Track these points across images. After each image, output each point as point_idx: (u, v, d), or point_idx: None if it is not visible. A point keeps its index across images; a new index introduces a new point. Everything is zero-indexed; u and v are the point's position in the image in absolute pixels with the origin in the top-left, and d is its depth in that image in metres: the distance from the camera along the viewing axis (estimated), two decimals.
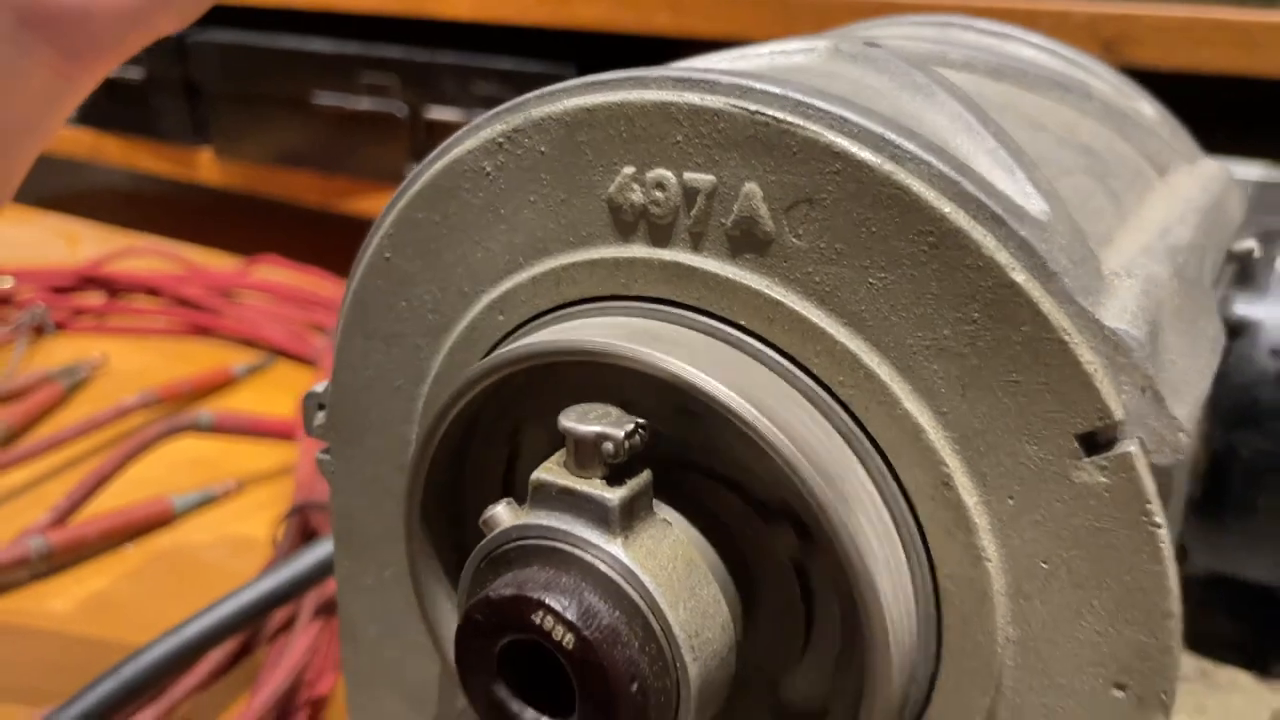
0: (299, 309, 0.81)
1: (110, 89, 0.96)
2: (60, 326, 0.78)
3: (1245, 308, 0.35)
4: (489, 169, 0.20)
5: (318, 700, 0.41)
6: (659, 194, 0.18)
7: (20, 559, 0.51)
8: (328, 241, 0.89)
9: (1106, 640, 0.16)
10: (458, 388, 0.19)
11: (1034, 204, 0.17)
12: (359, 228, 0.77)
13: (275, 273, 0.87)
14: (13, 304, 0.80)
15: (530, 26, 0.74)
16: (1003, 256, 0.15)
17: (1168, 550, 0.15)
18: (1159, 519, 0.15)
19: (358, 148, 0.85)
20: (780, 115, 0.16)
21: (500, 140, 0.19)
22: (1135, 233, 0.20)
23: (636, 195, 0.18)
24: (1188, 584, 0.42)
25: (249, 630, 0.44)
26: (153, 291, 0.83)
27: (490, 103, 0.73)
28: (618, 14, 0.68)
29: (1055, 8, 0.56)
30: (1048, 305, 0.15)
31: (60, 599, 0.52)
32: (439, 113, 0.79)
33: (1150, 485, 0.15)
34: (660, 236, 0.18)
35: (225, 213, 1.04)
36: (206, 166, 0.96)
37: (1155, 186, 0.23)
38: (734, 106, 0.17)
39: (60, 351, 0.75)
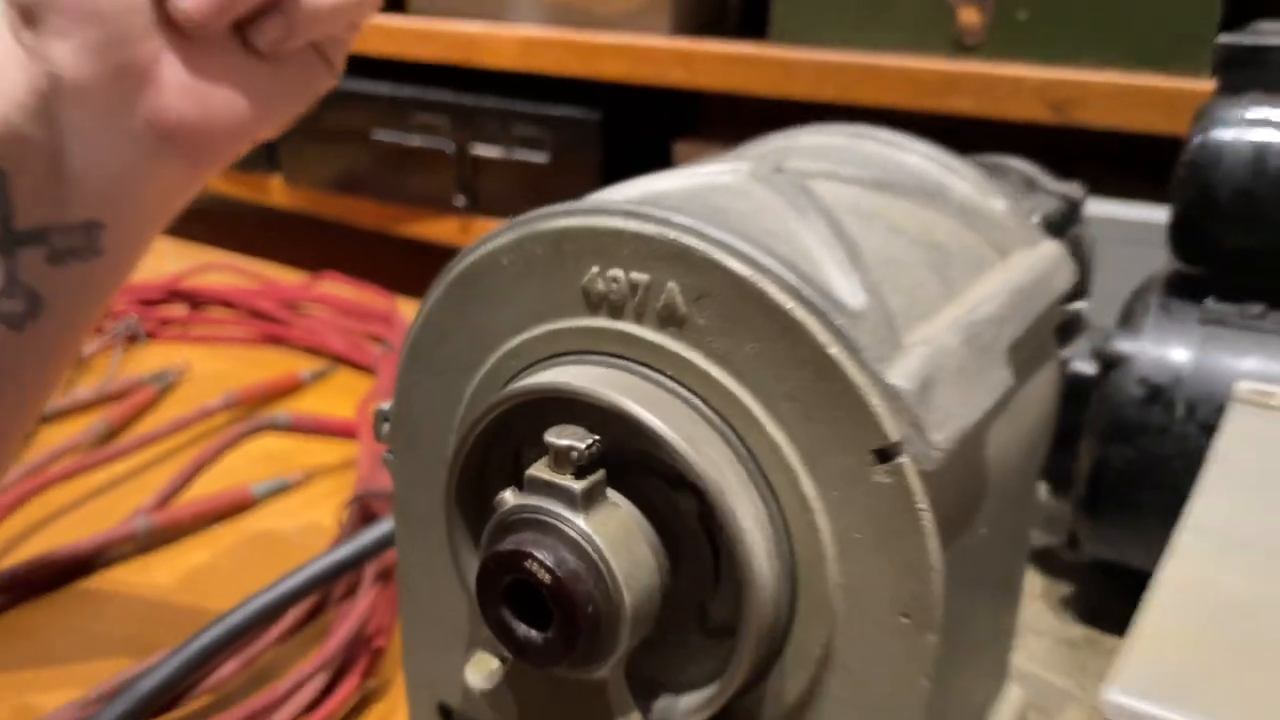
0: (358, 321, 0.89)
1: None
2: (150, 335, 0.87)
3: (1120, 344, 0.43)
4: (505, 263, 0.28)
5: (377, 650, 0.50)
6: (614, 285, 0.26)
7: (129, 535, 0.60)
8: (384, 260, 0.97)
9: (896, 586, 0.24)
10: (482, 410, 0.28)
11: (857, 299, 0.25)
12: (411, 249, 0.88)
13: (337, 288, 0.95)
14: (109, 315, 0.89)
15: (563, 76, 0.82)
16: (824, 337, 0.24)
17: (929, 527, 0.24)
18: (922, 506, 0.24)
19: (410, 179, 0.93)
20: (688, 241, 0.25)
21: (511, 244, 0.28)
22: (955, 309, 0.28)
23: (600, 285, 0.27)
24: (1086, 569, 0.50)
25: (320, 594, 0.53)
26: (229, 304, 0.92)
27: (528, 142, 0.82)
28: (639, 69, 0.76)
29: (1012, 74, 0.64)
30: (851, 369, 0.23)
31: (161, 570, 0.59)
32: (483, 150, 0.87)
33: (917, 484, 0.24)
34: (616, 313, 0.27)
35: (293, 233, 1.13)
36: (277, 191, 1.05)
37: (994, 268, 0.31)
38: (660, 233, 0.25)
39: (151, 358, 0.83)
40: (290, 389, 0.79)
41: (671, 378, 0.26)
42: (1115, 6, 0.59)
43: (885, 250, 0.28)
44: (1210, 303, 0.42)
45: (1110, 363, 0.42)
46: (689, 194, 0.29)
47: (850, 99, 0.66)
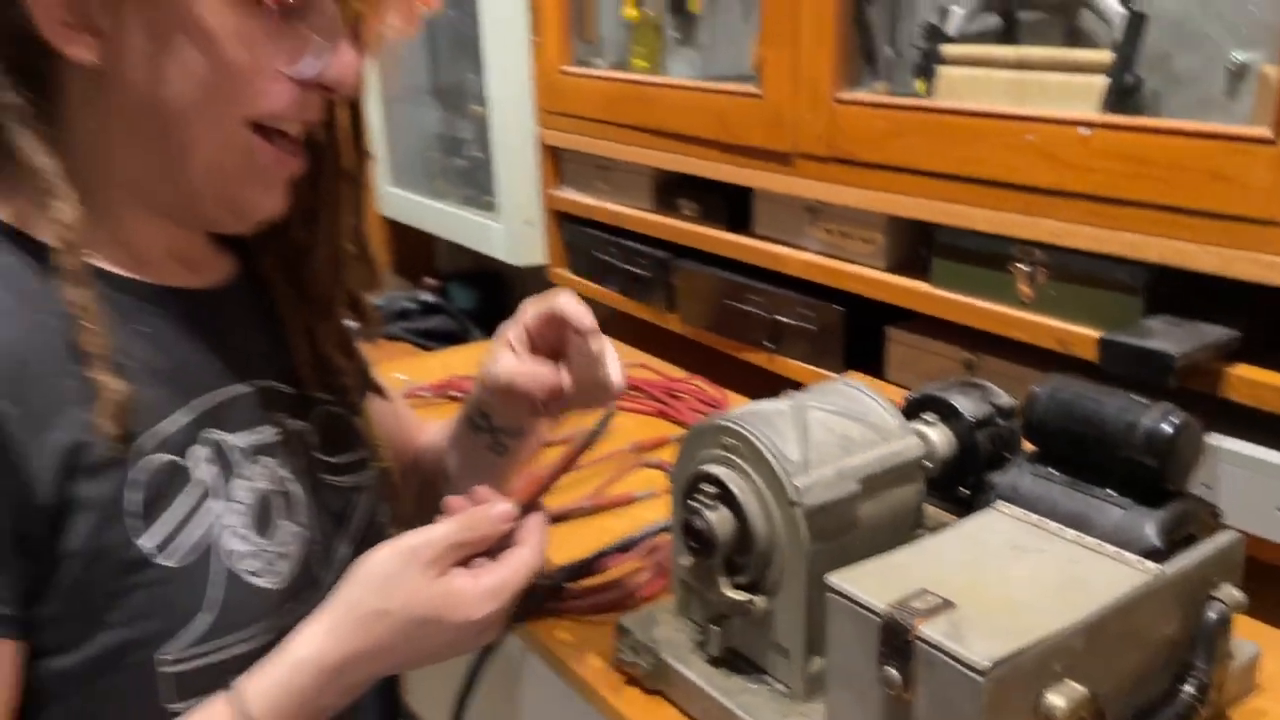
0: (705, 406, 1.42)
1: (638, 290, 1.66)
2: None
3: (994, 477, 0.89)
4: (703, 430, 0.83)
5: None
6: (730, 441, 0.81)
7: (580, 507, 1.19)
8: (724, 372, 1.53)
9: (795, 540, 0.77)
10: (688, 474, 0.83)
11: (796, 456, 0.77)
12: (739, 367, 1.60)
13: (698, 384, 1.50)
14: None
15: (824, 285, 1.34)
16: (778, 469, 0.77)
17: (804, 527, 0.76)
18: (802, 523, 0.76)
19: (742, 328, 1.47)
20: (746, 433, 0.79)
21: (705, 425, 0.83)
22: (844, 462, 0.79)
23: (726, 441, 0.81)
24: None
25: (654, 540, 1.10)
26: (638, 389, 1.50)
27: (805, 317, 1.43)
28: (866, 288, 1.25)
29: (1044, 322, 1.07)
30: (785, 480, 0.76)
31: (592, 526, 1.08)
32: (781, 318, 1.35)
33: (801, 517, 0.76)
34: (731, 451, 0.81)
35: (679, 347, 1.72)
36: (673, 322, 1.64)
37: (876, 447, 0.81)
38: (739, 429, 0.79)
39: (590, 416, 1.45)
40: (662, 444, 1.31)
41: (743, 468, 0.80)
42: (1093, 298, 1.04)
43: (822, 440, 0.80)
44: (1037, 465, 0.87)
45: (989, 485, 0.89)
46: (763, 413, 0.82)
47: (963, 321, 1.15)
